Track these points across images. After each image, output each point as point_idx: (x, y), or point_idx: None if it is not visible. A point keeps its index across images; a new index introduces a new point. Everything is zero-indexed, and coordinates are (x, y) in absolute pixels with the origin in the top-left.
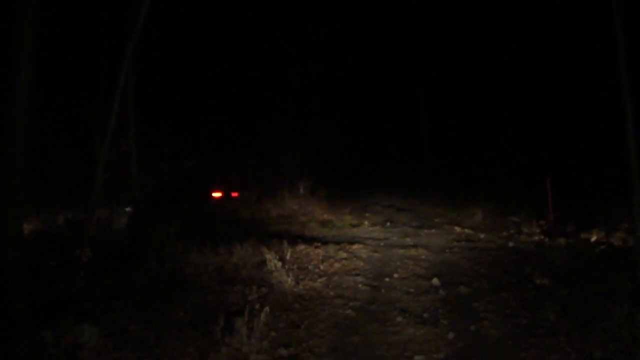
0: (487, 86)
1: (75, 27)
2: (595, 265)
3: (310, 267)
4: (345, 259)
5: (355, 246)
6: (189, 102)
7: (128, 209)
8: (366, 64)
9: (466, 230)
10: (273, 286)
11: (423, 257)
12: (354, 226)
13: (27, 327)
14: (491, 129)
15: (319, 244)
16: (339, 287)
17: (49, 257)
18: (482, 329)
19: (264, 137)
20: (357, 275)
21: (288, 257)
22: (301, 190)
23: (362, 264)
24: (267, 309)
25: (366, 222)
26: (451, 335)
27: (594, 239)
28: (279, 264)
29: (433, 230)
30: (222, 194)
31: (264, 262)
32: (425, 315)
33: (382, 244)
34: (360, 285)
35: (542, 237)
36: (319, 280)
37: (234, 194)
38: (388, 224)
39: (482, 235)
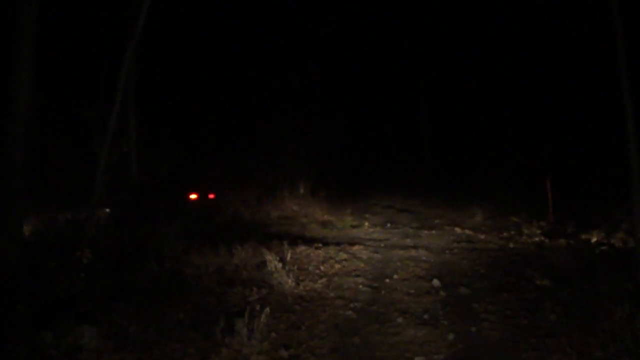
0: (487, 86)
1: (76, 27)
2: (595, 266)
3: (310, 268)
4: (346, 260)
5: (356, 247)
6: (189, 103)
7: (107, 210)
8: (367, 63)
9: (466, 231)
10: (273, 287)
11: (423, 258)
12: (354, 227)
13: (27, 328)
14: (491, 130)
15: (320, 245)
16: (339, 288)
17: (49, 258)
18: (482, 330)
19: (263, 137)
20: (358, 276)
21: (288, 258)
22: (301, 191)
23: (362, 265)
24: (267, 310)
25: (366, 223)
26: (451, 336)
27: (594, 239)
28: (280, 265)
29: (433, 231)
30: (198, 195)
31: (264, 263)
32: (426, 316)
33: (382, 245)
34: (360, 286)
35: (543, 238)
36: (319, 281)
37: (211, 196)
38: (388, 224)
39: (482, 236)
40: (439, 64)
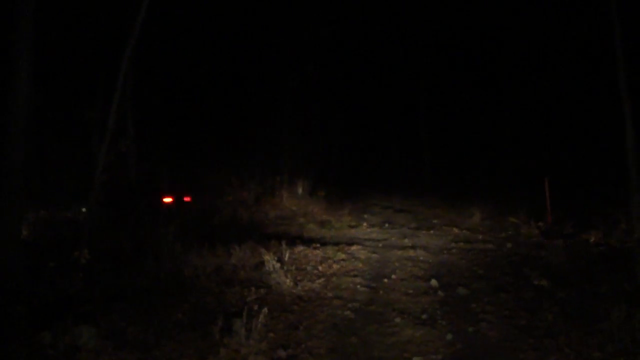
0: (486, 87)
1: (75, 27)
2: (593, 267)
3: (308, 268)
4: (344, 260)
5: (354, 247)
6: (187, 103)
7: (84, 210)
8: (366, 63)
9: (465, 231)
10: (271, 287)
11: (421, 258)
12: (352, 227)
13: (25, 328)
14: (490, 130)
15: (318, 245)
16: (337, 288)
17: (48, 258)
18: (480, 330)
19: (262, 137)
20: (356, 276)
21: (286, 258)
22: (300, 191)
23: (360, 265)
24: (265, 310)
25: (365, 223)
26: (449, 337)
27: (592, 240)
28: (278, 265)
29: (432, 231)
30: (173, 199)
31: (262, 264)
32: (424, 316)
33: (380, 245)
34: (358, 287)
35: (541, 238)
36: (317, 281)
37: (187, 199)
38: (387, 225)
39: (480, 236)
40: (438, 64)
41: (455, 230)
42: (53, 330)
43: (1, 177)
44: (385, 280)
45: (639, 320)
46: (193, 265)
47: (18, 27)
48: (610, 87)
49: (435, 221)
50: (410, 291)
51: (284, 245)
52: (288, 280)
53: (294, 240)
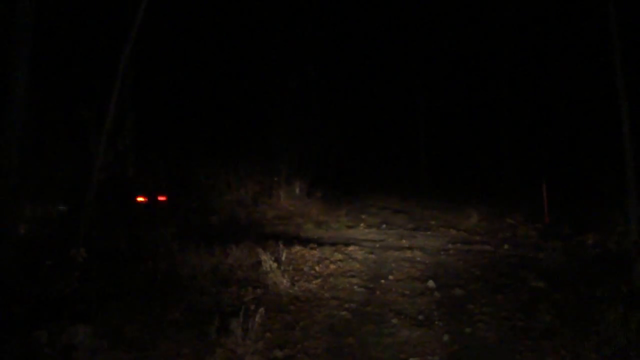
0: (484, 88)
1: (73, 25)
2: (590, 268)
3: (305, 268)
4: (341, 260)
5: (351, 248)
6: (186, 102)
7: (62, 208)
8: (364, 64)
9: (462, 233)
10: (268, 287)
11: (418, 259)
12: (349, 228)
13: (21, 327)
14: (488, 132)
15: (315, 246)
16: (334, 289)
17: (44, 257)
18: (477, 331)
19: (260, 137)
20: (353, 276)
21: (283, 258)
22: (297, 191)
23: (357, 265)
24: (262, 310)
25: (362, 224)
26: (446, 338)
27: (589, 241)
28: (275, 265)
29: (429, 232)
30: (146, 198)
31: (259, 263)
32: (421, 317)
33: (377, 245)
34: (355, 287)
35: (538, 239)
36: (314, 281)
37: (161, 198)
38: (384, 225)
39: (477, 238)
40: (436, 65)
41: (453, 231)
42: (49, 329)
43: None
44: (382, 281)
45: (635, 322)
46: (190, 265)
47: (16, 26)
48: (608, 88)
49: (432, 222)
50: (407, 292)
51: (281, 246)
52: (285, 281)
53: (291, 241)
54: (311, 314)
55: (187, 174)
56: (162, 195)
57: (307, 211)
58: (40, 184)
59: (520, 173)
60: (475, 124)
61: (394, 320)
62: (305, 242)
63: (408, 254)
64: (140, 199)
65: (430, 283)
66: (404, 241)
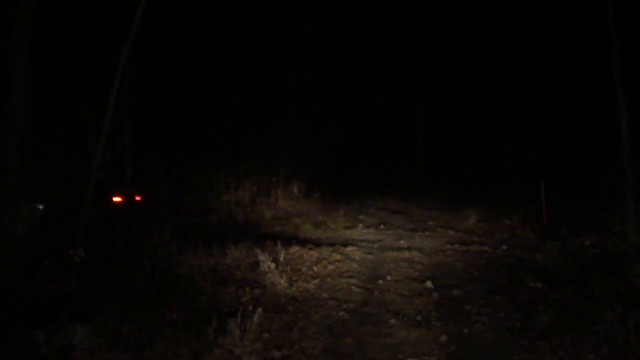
0: (482, 90)
1: (71, 26)
2: (588, 269)
3: (303, 268)
4: (339, 261)
5: (349, 248)
6: (185, 102)
7: (41, 207)
8: (364, 67)
9: (460, 233)
10: (266, 288)
11: (417, 259)
12: (347, 228)
13: (19, 327)
14: (486, 132)
15: (313, 246)
16: (332, 289)
17: (42, 257)
18: (475, 332)
19: (258, 138)
20: (351, 277)
21: (282, 258)
22: (295, 192)
23: (355, 266)
24: (260, 310)
25: (360, 225)
26: (444, 338)
27: (587, 242)
28: (273, 265)
29: (427, 233)
30: (122, 198)
31: (257, 264)
32: (419, 317)
33: (375, 246)
34: (353, 288)
35: (536, 240)
36: (312, 282)
37: (138, 198)
38: (382, 226)
39: (475, 238)
40: (434, 66)
41: (451, 232)
42: (47, 329)
43: None
44: (380, 281)
45: (633, 323)
46: (188, 265)
47: (17, 27)
48: (606, 89)
49: (430, 223)
50: (405, 292)
51: (279, 246)
52: (283, 281)
53: (289, 241)
54: (309, 314)
55: (186, 174)
56: (139, 195)
57: (305, 212)
58: (37, 184)
59: (518, 174)
60: (473, 124)
61: (392, 321)
62: (303, 242)
63: (406, 254)
64: (116, 199)
65: (429, 283)
66: (402, 242)
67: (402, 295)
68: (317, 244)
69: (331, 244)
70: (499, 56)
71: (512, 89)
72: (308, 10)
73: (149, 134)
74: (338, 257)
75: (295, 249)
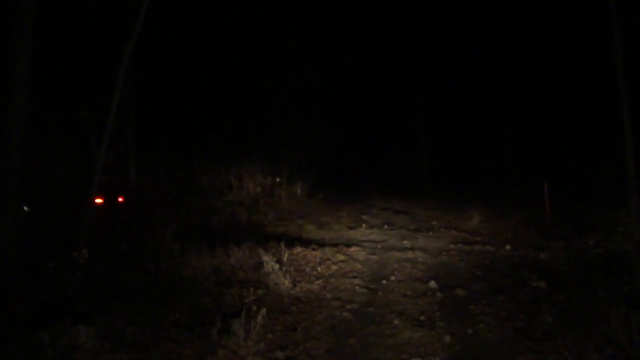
0: (486, 89)
1: (74, 26)
2: (592, 269)
3: (307, 269)
4: (343, 261)
5: (353, 249)
6: (187, 103)
7: (26, 209)
8: (366, 67)
9: (463, 233)
10: (270, 288)
11: (420, 259)
12: (351, 228)
13: (23, 328)
14: (489, 132)
15: (316, 246)
16: (336, 290)
17: (46, 258)
18: (478, 332)
19: (261, 138)
20: (354, 277)
21: (285, 259)
22: (299, 192)
23: (359, 266)
24: (264, 311)
25: (363, 225)
26: (448, 338)
27: (591, 242)
28: (276, 266)
29: (430, 233)
30: (104, 200)
31: (261, 264)
32: (422, 318)
33: (379, 246)
34: (357, 288)
35: (540, 240)
36: (316, 282)
37: (120, 199)
38: (385, 226)
39: (479, 238)
40: (437, 66)
41: (454, 232)
42: (51, 330)
43: None
44: (384, 281)
45: (637, 323)
46: (191, 266)
47: (18, 28)
48: (609, 89)
49: (434, 223)
50: (409, 293)
51: (282, 246)
52: (287, 281)
53: (292, 241)
54: (313, 315)
55: (189, 174)
56: (120, 196)
57: (309, 212)
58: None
59: (521, 174)
60: (476, 124)
61: (396, 321)
62: (306, 243)
63: (410, 254)
64: (98, 200)
65: (432, 284)
66: (405, 242)
67: (405, 295)
68: (321, 244)
69: (335, 245)
70: (502, 57)
71: (514, 89)
72: (311, 10)
73: (151, 135)
74: (341, 257)
75: (298, 249)
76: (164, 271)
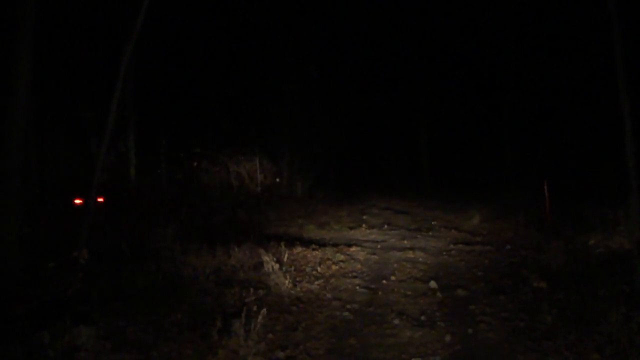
0: (485, 90)
1: (74, 27)
2: (592, 269)
3: (307, 269)
4: (343, 261)
5: (353, 249)
6: (187, 103)
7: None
8: (367, 67)
9: (464, 233)
10: (270, 288)
11: (420, 259)
12: (351, 228)
13: (24, 329)
14: (489, 132)
15: (317, 246)
16: (336, 290)
17: (47, 259)
18: (479, 331)
19: (262, 139)
20: (355, 277)
21: (285, 259)
22: (299, 192)
23: (359, 266)
24: (264, 311)
25: (364, 225)
26: (448, 338)
27: (591, 242)
28: (277, 266)
29: (430, 233)
30: (82, 200)
31: (261, 264)
32: (423, 317)
33: (379, 246)
34: (357, 288)
35: (540, 240)
36: (316, 282)
37: (100, 199)
38: (386, 226)
39: (479, 238)
40: (438, 66)
41: (455, 232)
42: (52, 331)
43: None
44: (384, 281)
45: (637, 323)
46: (192, 266)
47: (18, 28)
48: (610, 89)
49: (434, 223)
50: (409, 292)
51: (283, 246)
52: (287, 281)
53: (293, 241)
54: (313, 314)
55: (189, 174)
56: (99, 196)
57: (309, 212)
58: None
59: (522, 173)
60: (477, 124)
61: (396, 321)
62: (307, 243)
63: (410, 254)
64: (77, 200)
65: (432, 284)
66: (405, 242)
67: (406, 295)
68: (321, 244)
69: (335, 245)
70: (502, 57)
71: (515, 89)
72: (312, 10)
73: (152, 135)
74: (342, 257)
75: (299, 249)
76: (164, 271)
